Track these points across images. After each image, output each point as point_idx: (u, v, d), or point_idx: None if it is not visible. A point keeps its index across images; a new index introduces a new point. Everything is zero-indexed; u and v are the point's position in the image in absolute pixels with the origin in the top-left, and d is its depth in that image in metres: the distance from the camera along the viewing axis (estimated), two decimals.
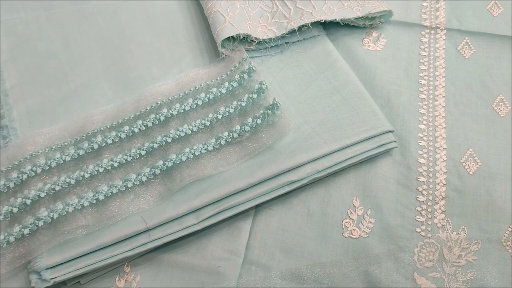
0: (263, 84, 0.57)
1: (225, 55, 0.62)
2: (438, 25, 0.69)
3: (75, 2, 0.69)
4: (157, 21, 0.67)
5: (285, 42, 0.65)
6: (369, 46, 0.67)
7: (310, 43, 0.66)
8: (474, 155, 0.58)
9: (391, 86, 0.63)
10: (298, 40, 0.65)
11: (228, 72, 0.60)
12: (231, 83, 0.59)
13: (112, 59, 0.64)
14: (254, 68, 0.59)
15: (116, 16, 0.67)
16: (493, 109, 0.62)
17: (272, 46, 0.65)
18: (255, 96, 0.57)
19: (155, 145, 0.53)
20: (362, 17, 0.66)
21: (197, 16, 0.68)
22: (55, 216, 0.49)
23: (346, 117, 0.57)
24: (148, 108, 0.57)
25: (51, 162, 0.52)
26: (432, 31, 0.68)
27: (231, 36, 0.60)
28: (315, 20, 0.63)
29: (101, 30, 0.66)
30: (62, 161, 0.53)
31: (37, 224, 0.48)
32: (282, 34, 0.63)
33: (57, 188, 0.51)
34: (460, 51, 0.67)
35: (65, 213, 0.49)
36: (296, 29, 0.63)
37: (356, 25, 0.68)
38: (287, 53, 0.65)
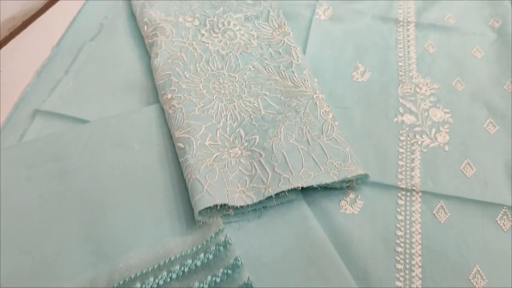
0: (238, 260, 0.58)
1: (202, 222, 0.63)
2: (413, 187, 0.71)
3: (57, 159, 0.71)
4: (137, 182, 0.69)
5: (263, 207, 0.67)
6: (346, 209, 0.69)
7: (288, 207, 0.67)
8: None
9: (368, 255, 0.64)
10: (275, 204, 0.67)
11: (204, 242, 0.61)
12: (207, 254, 0.60)
13: (88, 223, 0.65)
14: (229, 241, 0.60)
15: (96, 176, 0.70)
16: (470, 281, 0.63)
17: (250, 211, 0.66)
18: (230, 271, 0.57)
19: None
20: (338, 181, 0.68)
21: (177, 176, 0.70)
22: None
23: None
24: (121, 282, 0.57)
25: None
26: (408, 193, 0.71)
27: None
28: (293, 187, 0.65)
29: (79, 191, 0.68)
30: None
31: None
32: (260, 201, 0.65)
33: None
34: (436, 215, 0.69)
35: None
36: (273, 196, 0.65)
37: (333, 187, 0.70)
38: (264, 218, 0.67)
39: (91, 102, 0.81)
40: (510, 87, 0.84)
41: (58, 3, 0.97)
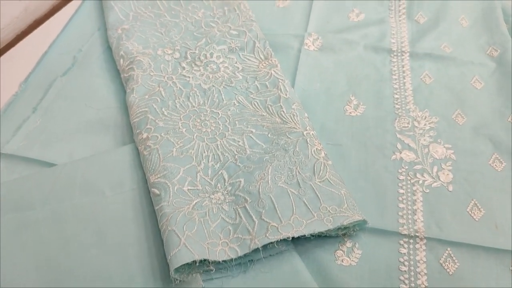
0: None
1: (180, 280, 0.56)
2: (417, 233, 0.65)
3: (18, 209, 0.64)
4: (107, 234, 0.62)
5: (249, 260, 0.60)
6: (342, 260, 0.62)
7: (277, 260, 0.60)
8: None
9: None
10: (263, 257, 0.60)
11: None
12: None
13: (49, 282, 0.57)
14: None
15: (60, 229, 0.62)
16: None
17: (234, 265, 0.59)
18: None
19: None
20: (334, 229, 0.62)
21: (152, 226, 0.63)
22: None
23: None
24: None
25: None
26: (411, 240, 0.64)
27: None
28: (282, 237, 0.59)
29: (41, 246, 0.61)
30: None
31: None
32: (245, 254, 0.58)
33: None
34: (443, 265, 0.62)
35: None
36: (260, 248, 0.58)
37: (328, 235, 0.63)
38: (251, 273, 0.60)
39: (60, 142, 0.75)
40: None
41: (29, 36, 0.92)
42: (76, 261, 0.60)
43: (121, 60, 0.83)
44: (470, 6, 1.01)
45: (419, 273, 0.62)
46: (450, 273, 0.62)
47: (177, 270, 0.55)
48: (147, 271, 0.59)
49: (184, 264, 0.56)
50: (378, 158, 0.74)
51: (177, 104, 0.75)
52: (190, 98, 0.77)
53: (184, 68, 0.82)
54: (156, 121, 0.72)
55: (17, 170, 0.71)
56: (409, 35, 0.95)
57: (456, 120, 0.80)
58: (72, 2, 1.00)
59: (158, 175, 0.64)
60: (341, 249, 0.64)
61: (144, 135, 0.70)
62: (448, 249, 0.64)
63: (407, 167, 0.73)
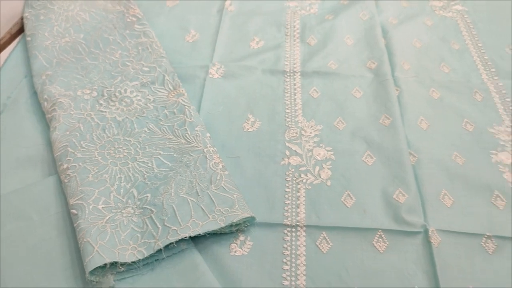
0: None
1: (95, 282, 0.69)
2: (298, 222, 0.80)
3: None
4: (36, 253, 0.75)
5: (155, 260, 0.74)
6: (236, 251, 0.77)
7: (179, 257, 0.75)
8: None
9: None
10: (168, 256, 0.74)
11: None
12: None
13: None
14: None
15: None
16: None
17: (144, 265, 0.73)
18: None
19: None
20: (226, 226, 0.77)
21: (74, 241, 0.76)
22: None
23: None
24: None
25: None
26: (294, 229, 0.80)
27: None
28: (180, 237, 0.73)
29: None
30: None
31: None
32: (151, 254, 0.72)
33: None
34: (319, 246, 0.78)
35: None
36: (162, 248, 0.72)
37: (223, 232, 0.78)
38: (157, 270, 0.73)
39: None
40: (385, 121, 0.96)
41: None
42: (11, 277, 0.72)
43: (45, 103, 0.97)
44: (354, 27, 1.20)
45: (299, 255, 0.77)
46: (324, 252, 0.77)
47: (92, 273, 0.69)
48: (71, 278, 0.72)
49: (98, 268, 0.69)
50: (269, 165, 0.90)
51: (94, 137, 0.89)
52: (106, 130, 0.91)
53: (101, 104, 0.97)
54: (75, 153, 0.85)
55: None
56: (301, 56, 1.13)
57: (337, 126, 0.96)
58: (2, 52, 1.14)
59: (76, 198, 0.78)
60: (235, 243, 0.78)
61: (65, 166, 0.84)
62: (324, 233, 0.79)
63: (293, 170, 0.88)
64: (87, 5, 1.22)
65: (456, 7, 1.29)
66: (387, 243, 0.78)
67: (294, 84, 1.06)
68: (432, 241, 0.77)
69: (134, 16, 1.19)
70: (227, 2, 1.28)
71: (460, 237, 0.78)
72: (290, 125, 0.97)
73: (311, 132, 0.95)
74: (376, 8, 1.26)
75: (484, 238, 0.78)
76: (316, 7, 1.27)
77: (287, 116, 0.99)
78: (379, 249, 0.77)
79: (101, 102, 0.97)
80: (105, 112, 0.95)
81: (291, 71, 1.08)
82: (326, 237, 0.79)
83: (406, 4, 1.30)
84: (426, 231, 0.78)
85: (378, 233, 0.79)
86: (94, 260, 0.69)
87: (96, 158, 0.85)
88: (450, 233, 0.79)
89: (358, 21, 1.22)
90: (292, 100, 1.02)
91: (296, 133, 0.95)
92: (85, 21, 1.18)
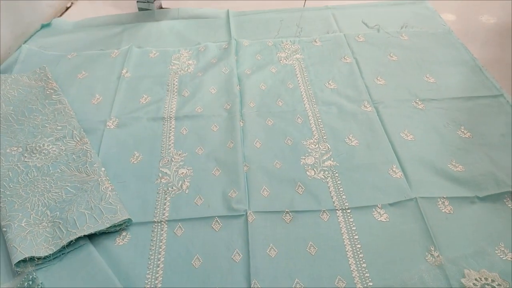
0: None
1: (19, 271, 1.07)
2: (162, 219, 1.20)
3: None
4: None
5: (62, 253, 1.11)
6: (119, 243, 1.15)
7: (79, 250, 1.12)
8: None
9: (129, 267, 1.09)
10: (71, 250, 1.12)
11: (19, 285, 1.04)
12: None
13: None
14: (37, 279, 1.03)
15: None
16: (201, 280, 1.10)
17: (54, 258, 1.11)
18: None
19: None
20: (111, 226, 1.15)
21: (5, 248, 1.13)
22: None
23: None
24: None
25: None
26: (159, 224, 1.19)
27: (23, 260, 1.06)
28: (78, 236, 1.11)
29: None
30: None
31: None
32: (58, 250, 1.10)
33: None
34: (175, 232, 1.17)
35: None
36: (65, 245, 1.10)
37: (111, 231, 1.17)
38: (64, 261, 1.10)
39: None
40: (230, 145, 1.38)
41: None
42: None
43: None
44: (217, 79, 1.64)
45: (162, 240, 1.16)
46: (178, 235, 1.16)
47: (16, 265, 1.06)
48: (4, 271, 1.09)
49: (21, 261, 1.06)
50: (146, 184, 1.29)
51: (20, 179, 1.28)
52: (28, 174, 1.29)
53: (25, 156, 1.35)
54: (5, 192, 1.23)
55: None
56: (177, 105, 1.55)
57: (198, 152, 1.38)
58: None
59: (6, 220, 1.15)
60: (119, 237, 1.17)
61: None
62: (179, 223, 1.19)
63: (163, 186, 1.29)
64: (15, 83, 1.63)
65: (296, 56, 1.76)
66: (221, 224, 1.18)
67: (170, 126, 1.47)
68: (249, 219, 1.18)
69: (52, 89, 1.60)
70: (124, 70, 1.71)
71: (268, 214, 1.19)
72: (164, 155, 1.38)
73: (178, 159, 1.36)
74: (236, 63, 1.72)
75: (284, 213, 1.19)
76: (192, 68, 1.72)
77: (162, 149, 1.40)
78: (216, 229, 1.17)
79: (26, 155, 1.36)
80: (28, 161, 1.34)
81: (168, 117, 1.51)
82: (181, 226, 1.18)
83: (259, 57, 1.76)
84: (246, 214, 1.19)
85: (216, 219, 1.19)
86: (17, 256, 1.06)
87: (21, 193, 1.23)
88: (261, 213, 1.19)
89: (220, 75, 1.67)
90: (167, 138, 1.43)
91: (168, 160, 1.36)
92: (14, 96, 1.58)
